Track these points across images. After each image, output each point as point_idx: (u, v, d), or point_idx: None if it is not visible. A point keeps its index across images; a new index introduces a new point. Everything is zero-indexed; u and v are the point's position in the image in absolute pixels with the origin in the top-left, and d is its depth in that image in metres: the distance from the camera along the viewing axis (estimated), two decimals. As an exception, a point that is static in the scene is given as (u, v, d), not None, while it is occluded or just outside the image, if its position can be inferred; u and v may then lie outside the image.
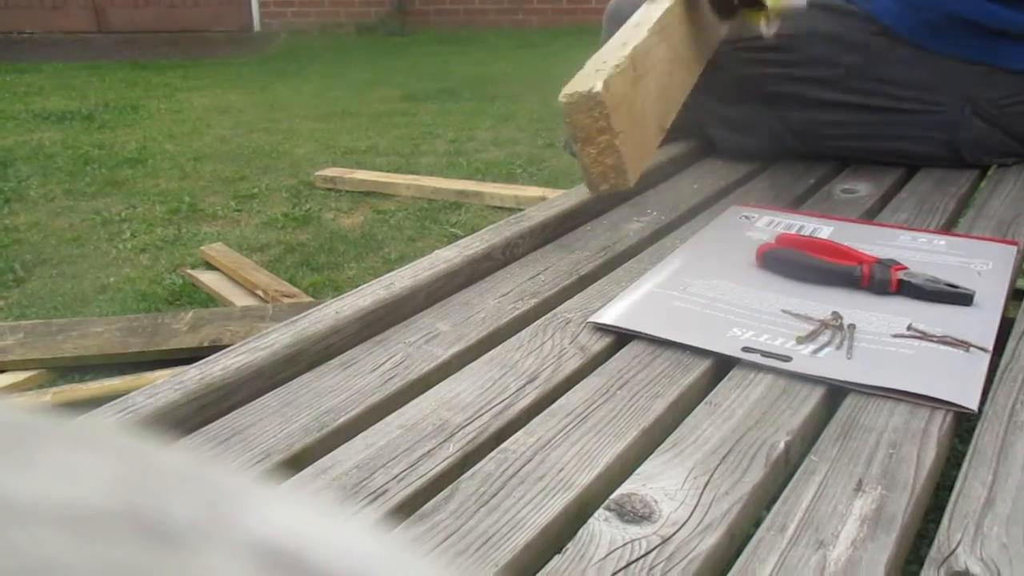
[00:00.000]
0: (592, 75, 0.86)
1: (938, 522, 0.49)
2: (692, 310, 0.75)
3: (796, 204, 1.06)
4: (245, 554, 0.12)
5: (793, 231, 0.92)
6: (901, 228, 0.94)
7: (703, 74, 1.14)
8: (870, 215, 1.02)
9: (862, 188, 1.09)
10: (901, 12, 1.09)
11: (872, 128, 1.15)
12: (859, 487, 0.51)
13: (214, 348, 1.32)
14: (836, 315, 0.72)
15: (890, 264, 0.79)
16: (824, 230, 0.92)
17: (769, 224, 0.95)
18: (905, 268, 0.78)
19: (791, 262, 0.82)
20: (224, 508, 0.13)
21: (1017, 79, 1.09)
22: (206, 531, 0.12)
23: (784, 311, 0.74)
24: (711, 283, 0.80)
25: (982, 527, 0.48)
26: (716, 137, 1.22)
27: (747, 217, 0.97)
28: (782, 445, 0.56)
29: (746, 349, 0.67)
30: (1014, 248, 0.88)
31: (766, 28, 1.09)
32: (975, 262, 0.84)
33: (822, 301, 0.76)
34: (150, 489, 0.12)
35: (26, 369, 1.59)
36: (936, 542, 0.47)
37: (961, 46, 1.08)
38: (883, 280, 0.77)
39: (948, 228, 0.98)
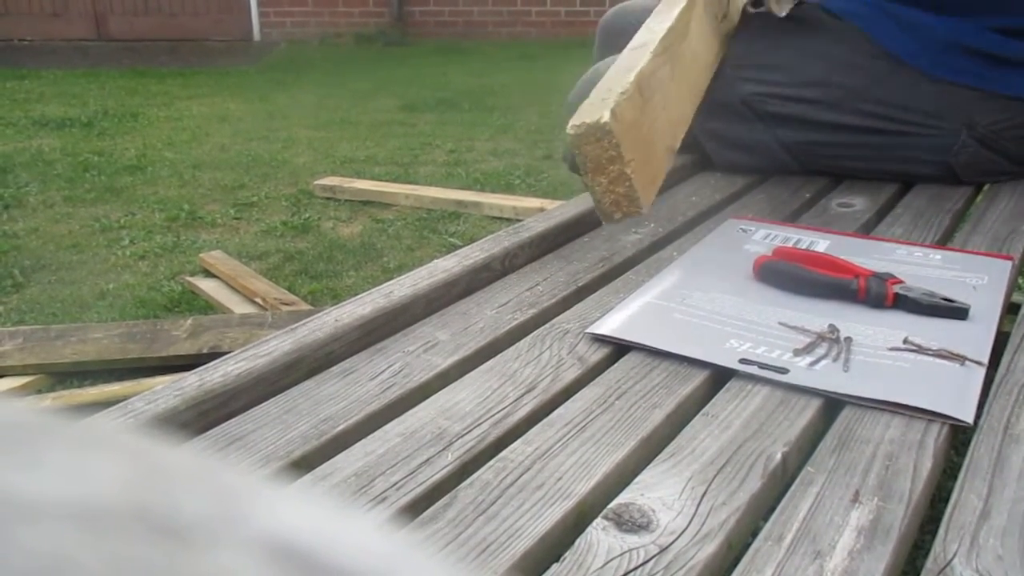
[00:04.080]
0: (599, 104, 0.84)
1: (934, 533, 0.49)
2: (690, 322, 0.75)
3: (793, 218, 1.06)
4: (256, 551, 0.12)
5: (790, 244, 0.92)
6: (897, 242, 0.94)
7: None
8: (866, 229, 1.02)
9: (858, 202, 1.10)
10: (904, 37, 1.10)
11: (868, 149, 1.15)
12: (856, 498, 0.52)
13: (213, 355, 1.32)
14: (833, 328, 0.73)
15: (886, 278, 0.79)
16: (821, 243, 0.93)
17: (766, 237, 0.95)
18: (901, 282, 0.79)
19: (788, 275, 0.82)
20: (234, 506, 0.13)
21: (1014, 104, 1.10)
22: (217, 528, 0.12)
23: (781, 323, 0.74)
24: (709, 295, 0.80)
25: (978, 539, 0.48)
26: (712, 153, 1.22)
27: (744, 230, 0.97)
28: (779, 456, 0.56)
29: (743, 361, 0.67)
30: (1009, 263, 0.88)
31: (777, 6, 1.10)
32: (970, 276, 0.84)
33: (819, 314, 0.76)
34: (160, 487, 0.13)
35: (25, 374, 1.59)
36: (932, 553, 0.47)
37: (962, 72, 1.09)
38: (879, 294, 0.78)
39: (943, 243, 0.99)
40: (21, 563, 0.10)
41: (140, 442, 0.14)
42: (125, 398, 0.59)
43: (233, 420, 0.59)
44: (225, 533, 0.12)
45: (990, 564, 0.46)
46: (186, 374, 0.62)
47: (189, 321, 1.74)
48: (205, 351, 1.60)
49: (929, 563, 0.47)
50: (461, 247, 0.90)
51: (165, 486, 0.13)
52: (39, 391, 1.57)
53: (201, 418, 0.59)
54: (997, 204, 1.08)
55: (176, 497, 0.13)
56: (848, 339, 0.71)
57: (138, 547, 0.11)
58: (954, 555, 0.47)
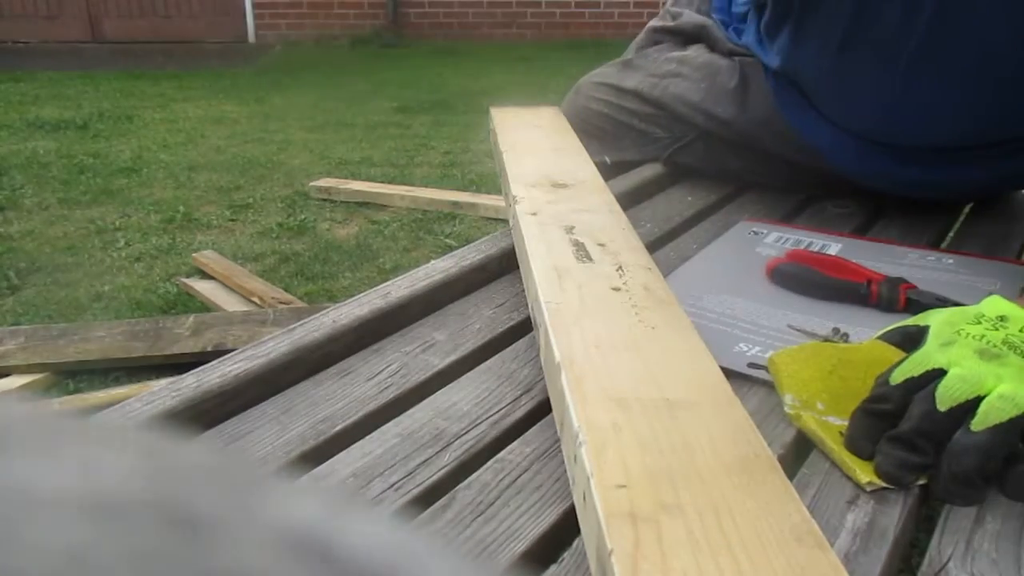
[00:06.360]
0: None
1: (930, 536, 0.49)
2: (699, 324, 0.74)
3: (789, 218, 1.06)
4: (272, 542, 0.12)
5: (802, 247, 0.92)
6: (910, 247, 0.94)
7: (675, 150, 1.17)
8: (862, 230, 1.03)
9: (853, 204, 1.10)
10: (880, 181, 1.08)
11: None
12: (852, 501, 0.52)
13: (217, 352, 1.32)
14: (836, 330, 0.73)
15: (899, 282, 0.79)
16: (833, 247, 0.93)
17: (778, 240, 0.95)
18: (913, 287, 0.78)
19: (800, 278, 0.82)
20: (250, 497, 0.13)
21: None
22: (232, 520, 0.12)
23: (790, 326, 0.74)
24: (720, 298, 0.79)
25: (972, 542, 0.49)
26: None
27: (756, 233, 0.97)
28: (775, 458, 0.56)
29: (751, 365, 0.67)
30: (1022, 268, 0.88)
31: None
32: (983, 281, 0.84)
33: (829, 317, 0.76)
34: (175, 480, 0.13)
35: (30, 373, 1.59)
36: (928, 556, 0.48)
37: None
38: (891, 298, 0.77)
39: (938, 244, 0.99)
40: (39, 557, 0.10)
41: (154, 437, 0.14)
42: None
43: (231, 420, 0.60)
44: (242, 525, 0.12)
45: (985, 568, 0.46)
46: (184, 375, 0.62)
47: (191, 319, 1.74)
48: (209, 348, 1.60)
49: (924, 566, 0.47)
50: (457, 248, 0.90)
51: (181, 479, 0.13)
52: (45, 389, 1.57)
53: (199, 418, 0.59)
54: (990, 206, 1.09)
55: (191, 489, 0.13)
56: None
57: (155, 540, 0.11)
58: (949, 558, 0.47)
